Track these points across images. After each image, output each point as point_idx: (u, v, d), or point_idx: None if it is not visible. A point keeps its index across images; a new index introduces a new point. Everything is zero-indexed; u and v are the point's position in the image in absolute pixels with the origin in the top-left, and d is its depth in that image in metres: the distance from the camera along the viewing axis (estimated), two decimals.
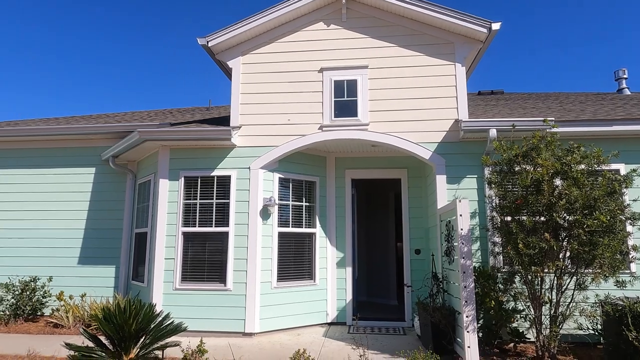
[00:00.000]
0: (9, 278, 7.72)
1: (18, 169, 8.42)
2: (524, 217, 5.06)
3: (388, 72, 6.93)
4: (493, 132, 6.11)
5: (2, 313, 7.31)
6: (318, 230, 7.44)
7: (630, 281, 4.99)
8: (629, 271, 5.59)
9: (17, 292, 7.38)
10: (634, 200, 5.23)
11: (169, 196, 6.91)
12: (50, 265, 7.93)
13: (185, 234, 6.81)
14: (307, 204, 7.42)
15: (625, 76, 10.82)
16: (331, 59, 7.06)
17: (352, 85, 6.93)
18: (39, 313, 7.60)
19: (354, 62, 7.00)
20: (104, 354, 4.52)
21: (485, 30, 6.49)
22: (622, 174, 5.24)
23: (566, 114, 7.20)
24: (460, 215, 5.17)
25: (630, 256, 5.08)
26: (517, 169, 5.30)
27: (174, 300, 6.63)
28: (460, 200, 5.22)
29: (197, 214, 6.85)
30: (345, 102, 6.90)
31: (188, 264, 6.76)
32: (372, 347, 5.75)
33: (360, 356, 4.68)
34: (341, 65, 7.02)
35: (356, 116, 6.83)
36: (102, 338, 4.75)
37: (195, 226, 6.82)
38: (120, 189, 8.17)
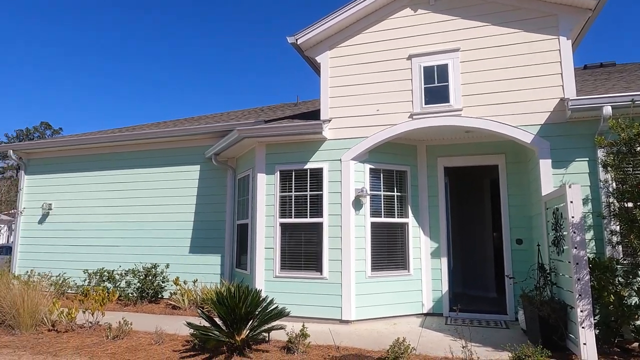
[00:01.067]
0: (134, 265, 8.82)
1: (136, 169, 9.54)
2: None
3: (481, 54, 6.58)
4: (607, 110, 5.51)
5: (131, 295, 8.39)
6: (410, 220, 7.36)
7: None
8: None
9: (141, 277, 8.41)
10: None
11: (266, 189, 7.33)
12: (167, 254, 8.90)
13: (282, 224, 7.19)
14: (399, 193, 7.37)
15: None
16: (419, 45, 6.89)
17: (442, 70, 6.70)
18: (159, 296, 8.58)
19: (443, 46, 6.76)
20: (219, 333, 4.98)
21: None
22: None
23: None
24: (571, 201, 4.78)
25: None
26: (639, 149, 4.74)
27: (274, 287, 7.04)
28: (570, 185, 4.82)
29: (293, 206, 7.18)
30: (435, 88, 6.70)
31: (286, 253, 7.13)
32: (472, 339, 5.57)
33: (463, 347, 4.58)
34: (430, 50, 6.82)
35: (448, 102, 6.61)
36: (216, 319, 5.24)
37: (291, 217, 7.15)
38: (222, 184, 8.85)
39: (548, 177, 5.99)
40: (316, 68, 7.65)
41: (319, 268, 6.89)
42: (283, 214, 7.22)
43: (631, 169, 4.90)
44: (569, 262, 4.79)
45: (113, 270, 8.83)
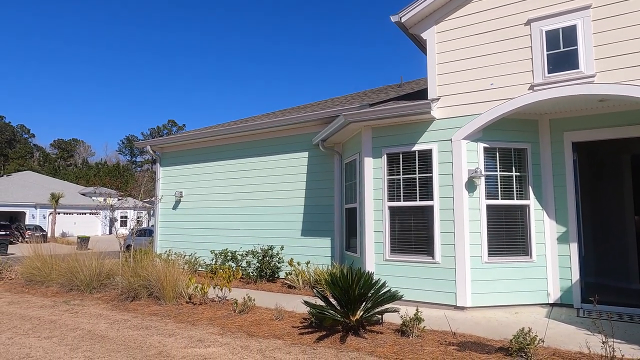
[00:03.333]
0: (253, 246, 9.56)
1: (250, 158, 10.27)
2: None
3: (618, 8, 5.66)
4: None
5: (251, 274, 9.12)
6: (532, 202, 6.74)
7: None
8: None
9: (259, 258, 9.08)
10: None
11: (374, 173, 7.31)
12: (281, 237, 9.46)
13: (390, 208, 7.13)
14: (518, 173, 6.79)
15: None
16: (540, 7, 6.18)
17: (569, 32, 5.93)
18: (275, 275, 9.19)
19: (570, 4, 5.97)
20: (334, 312, 5.16)
21: None
22: None
23: None
24: None
25: None
26: None
27: (385, 270, 7.04)
28: None
29: (401, 189, 7.06)
30: (561, 54, 5.97)
31: (395, 237, 7.07)
32: (614, 335, 4.93)
33: (603, 343, 4.10)
34: (553, 12, 6.07)
35: (577, 68, 5.84)
36: (331, 299, 5.43)
37: (400, 200, 7.05)
38: (329, 169, 9.08)
39: None
40: (422, 46, 7.35)
41: (430, 252, 6.71)
42: (391, 198, 7.15)
43: None
44: None
45: (235, 251, 9.67)
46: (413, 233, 6.96)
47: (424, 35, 7.05)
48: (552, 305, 6.60)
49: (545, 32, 6.10)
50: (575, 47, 5.87)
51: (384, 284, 5.57)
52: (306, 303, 5.46)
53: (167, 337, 5.42)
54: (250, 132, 10.18)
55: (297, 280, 8.32)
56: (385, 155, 7.23)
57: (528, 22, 6.24)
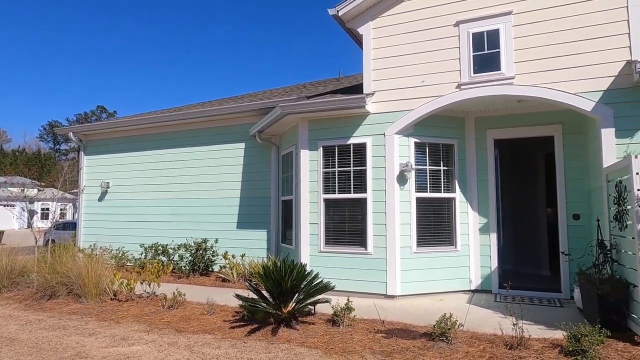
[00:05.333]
0: (185, 239, 9.23)
1: (185, 148, 9.87)
2: None
3: (536, 16, 6.11)
4: None
5: (184, 268, 8.81)
6: (458, 194, 7.14)
7: None
8: None
9: (192, 251, 8.80)
10: None
11: (310, 165, 7.34)
12: (216, 230, 9.22)
13: (326, 200, 7.20)
14: (445, 168, 7.14)
15: None
16: (468, 9, 6.50)
17: (493, 35, 6.30)
18: (209, 269, 8.96)
19: (494, 9, 6.34)
20: (266, 305, 5.13)
21: None
22: None
23: None
24: (637, 173, 4.41)
25: None
26: None
27: (319, 261, 7.11)
28: (636, 155, 4.44)
29: (336, 182, 7.15)
30: (485, 56, 6.33)
31: (330, 229, 7.17)
32: (524, 317, 5.31)
33: (513, 325, 4.44)
34: (479, 15, 6.42)
35: (499, 70, 6.23)
36: (263, 292, 5.39)
37: (335, 193, 7.15)
38: (266, 161, 8.98)
39: (611, 148, 5.55)
40: (358, 40, 7.45)
41: (363, 243, 6.88)
42: (327, 190, 7.22)
43: None
44: (633, 237, 4.46)
45: (167, 245, 9.29)
46: (347, 225, 7.09)
47: (360, 30, 7.15)
48: (474, 291, 7.05)
49: (472, 34, 6.43)
50: (498, 49, 6.26)
51: (316, 275, 5.63)
52: (238, 296, 5.37)
53: (87, 336, 5.09)
54: (185, 121, 9.77)
55: (232, 273, 8.17)
56: (321, 148, 7.28)
57: (457, 24, 6.55)
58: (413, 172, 6.82)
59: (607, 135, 5.57)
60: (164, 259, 9.18)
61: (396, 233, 6.67)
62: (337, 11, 6.98)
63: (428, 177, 7.02)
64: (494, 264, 7.02)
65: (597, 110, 5.66)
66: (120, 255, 9.79)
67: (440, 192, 7.07)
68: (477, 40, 6.40)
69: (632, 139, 5.50)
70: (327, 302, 5.35)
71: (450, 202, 7.13)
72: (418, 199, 6.88)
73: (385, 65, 6.96)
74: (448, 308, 6.02)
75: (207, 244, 8.95)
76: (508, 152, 8.73)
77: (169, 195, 9.95)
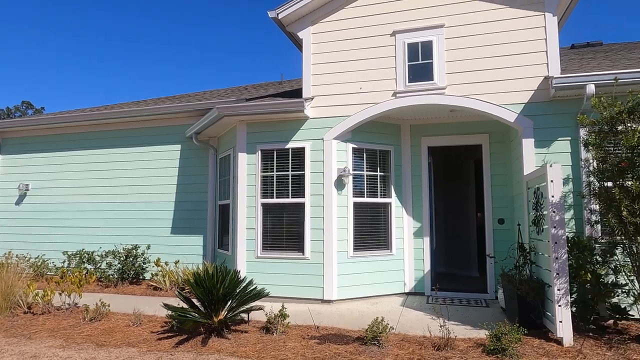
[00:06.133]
0: (114, 246, 8.68)
1: (116, 148, 9.29)
2: (629, 182, 4.49)
3: (466, 30, 6.43)
4: (591, 88, 5.45)
5: (111, 276, 8.27)
6: (393, 200, 7.31)
7: None
8: None
9: (122, 258, 8.28)
10: None
11: (248, 169, 7.19)
12: (148, 235, 8.76)
13: (264, 205, 7.08)
14: (382, 173, 7.29)
15: None
16: (403, 20, 6.70)
17: (427, 47, 6.55)
18: (140, 277, 8.48)
19: (428, 22, 6.59)
20: (196, 315, 4.91)
21: None
22: None
23: None
24: (552, 181, 4.74)
25: None
26: (620, 128, 4.70)
27: (256, 267, 6.98)
28: (551, 165, 4.77)
29: (275, 186, 7.06)
30: (419, 66, 6.56)
31: (268, 234, 7.05)
32: (452, 318, 5.61)
33: (441, 326, 4.59)
34: (414, 26, 6.65)
35: (432, 80, 6.48)
36: (194, 300, 5.17)
37: (273, 197, 7.05)
38: (203, 164, 8.68)
39: (530, 157, 5.95)
40: (299, 44, 7.43)
41: (300, 248, 6.84)
42: (265, 194, 7.10)
43: (612, 148, 4.86)
44: (548, 241, 4.78)
45: (93, 252, 8.68)
46: (285, 230, 7.02)
47: (300, 35, 7.14)
48: (408, 294, 7.24)
49: (408, 44, 6.64)
50: (431, 60, 6.50)
51: (251, 282, 5.49)
52: (166, 306, 5.10)
53: None
54: (116, 120, 9.21)
55: (164, 281, 7.79)
56: (259, 152, 7.16)
57: (393, 34, 6.73)
58: (351, 177, 6.89)
59: (527, 145, 5.97)
60: (90, 267, 8.57)
61: (333, 238, 6.69)
62: (277, 14, 6.92)
63: (365, 182, 7.13)
64: (427, 266, 7.27)
65: (519, 121, 6.05)
66: (40, 263, 9.01)
67: (377, 197, 7.21)
68: (412, 50, 6.61)
69: (549, 149, 5.93)
70: (261, 309, 5.23)
71: (386, 207, 7.29)
72: (355, 204, 6.96)
73: (324, 70, 7.00)
74: (382, 311, 6.13)
75: (138, 251, 8.47)
76: (442, 159, 9.11)
77: (97, 199, 9.31)
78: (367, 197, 7.11)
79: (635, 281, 4.76)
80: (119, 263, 8.32)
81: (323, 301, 6.63)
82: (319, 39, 7.09)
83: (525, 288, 5.08)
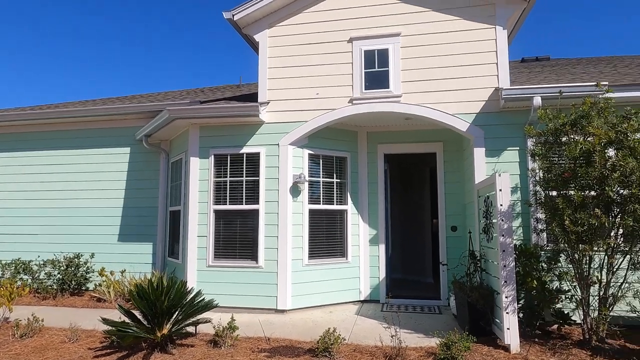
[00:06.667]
0: (54, 255, 8.10)
1: (59, 150, 8.71)
2: (572, 192, 4.65)
3: (421, 39, 6.51)
4: (537, 100, 5.64)
5: (50, 287, 7.69)
6: (350, 207, 7.27)
7: None
8: None
9: (62, 268, 7.74)
10: None
11: (200, 174, 6.92)
12: (92, 243, 8.24)
13: (216, 211, 6.83)
14: (338, 180, 7.23)
15: None
16: (361, 27, 6.70)
17: (383, 54, 6.57)
18: (83, 288, 7.95)
19: (385, 30, 6.62)
20: (137, 329, 4.61)
21: None
22: None
23: (622, 78, 6.55)
24: (500, 190, 4.83)
25: None
26: (564, 139, 4.87)
27: (208, 276, 6.71)
28: (500, 174, 4.87)
29: (228, 192, 6.83)
30: (376, 73, 6.57)
31: (220, 242, 6.80)
32: (405, 326, 5.60)
33: (392, 336, 4.54)
34: (371, 34, 6.66)
35: (388, 87, 6.50)
36: (137, 313, 4.86)
37: (226, 204, 6.81)
38: (154, 167, 8.29)
39: (481, 166, 6.07)
40: (255, 47, 7.27)
41: (254, 257, 6.63)
42: (218, 201, 6.86)
43: (556, 159, 5.03)
44: (497, 249, 4.86)
45: (30, 261, 8.07)
46: (238, 237, 6.80)
47: (256, 38, 6.98)
48: (363, 302, 7.20)
49: (365, 51, 6.64)
50: (387, 68, 6.53)
51: (199, 293, 5.24)
52: (105, 320, 4.75)
53: None
54: (60, 120, 8.65)
55: (108, 292, 7.33)
56: (213, 156, 6.91)
57: (350, 40, 6.71)
58: (306, 184, 6.78)
59: (479, 154, 6.09)
60: (26, 277, 7.95)
61: (288, 245, 6.54)
62: (233, 15, 6.73)
63: (321, 189, 7.04)
64: (382, 274, 7.25)
65: (471, 131, 6.17)
66: None
67: (333, 204, 7.14)
68: (369, 57, 6.61)
69: (498, 158, 6.08)
70: (208, 321, 4.99)
71: (342, 214, 7.22)
72: (311, 211, 6.85)
73: (281, 74, 6.87)
74: (336, 320, 6.04)
75: (81, 260, 7.94)
76: (398, 166, 9.20)
77: (35, 204, 8.67)
78: (323, 204, 7.02)
79: (577, 287, 4.93)
80: (58, 273, 7.76)
81: (277, 311, 6.45)
82: (276, 43, 6.96)
83: (475, 295, 5.14)
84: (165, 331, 4.74)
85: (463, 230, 6.97)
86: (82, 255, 8.00)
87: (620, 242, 4.67)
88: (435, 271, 8.50)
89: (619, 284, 4.74)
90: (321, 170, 7.06)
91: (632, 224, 4.40)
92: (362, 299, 7.22)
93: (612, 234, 4.62)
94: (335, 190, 7.17)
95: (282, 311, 6.44)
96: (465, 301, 5.26)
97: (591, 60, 9.59)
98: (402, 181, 9.37)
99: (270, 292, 6.51)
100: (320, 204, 6.98)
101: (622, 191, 4.50)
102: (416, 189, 9.30)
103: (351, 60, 6.68)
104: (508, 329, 4.64)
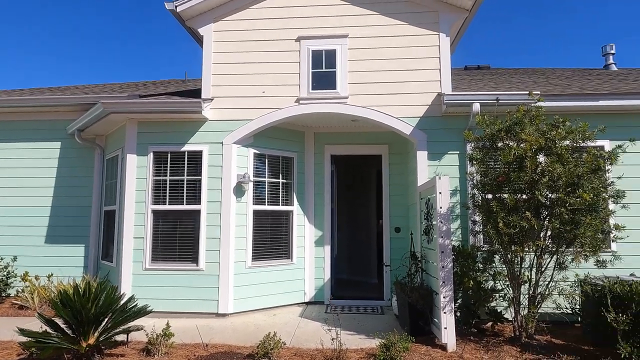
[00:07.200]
0: None
1: None
2: (506, 195, 4.86)
3: (369, 42, 6.56)
4: (476, 107, 5.85)
5: None
6: (296, 208, 7.18)
7: (611, 261, 4.86)
8: (610, 250, 5.48)
9: None
10: (617, 177, 5.04)
11: (138, 172, 6.54)
12: (15, 245, 7.55)
13: (155, 212, 6.49)
14: (284, 180, 7.13)
15: (612, 52, 10.59)
16: (309, 27, 6.65)
17: (331, 55, 6.55)
18: (4, 294, 7.27)
19: (333, 30, 6.61)
20: (60, 340, 4.25)
21: None
22: (606, 150, 5.02)
23: (552, 89, 6.97)
24: (440, 192, 4.95)
25: (612, 235, 4.94)
26: (500, 144, 5.07)
27: (145, 280, 6.36)
28: (440, 177, 4.99)
29: (167, 191, 6.52)
30: (323, 74, 6.53)
31: (158, 244, 6.47)
32: (348, 327, 5.60)
33: (333, 339, 4.50)
34: (320, 34, 6.62)
35: (335, 89, 6.49)
36: (61, 322, 4.48)
37: (165, 204, 6.49)
38: (88, 164, 7.75)
39: (424, 168, 6.21)
40: (200, 41, 6.99)
41: (195, 259, 6.37)
42: (157, 201, 6.52)
43: (492, 163, 5.24)
44: (437, 250, 4.97)
45: None
46: (178, 239, 6.50)
47: (201, 31, 6.72)
48: (308, 303, 7.14)
49: (312, 51, 6.58)
50: (335, 69, 6.52)
51: (132, 298, 4.93)
52: (21, 331, 4.33)
53: None
54: None
55: (32, 299, 6.74)
56: (152, 154, 6.56)
57: (298, 39, 6.63)
58: (251, 184, 6.61)
59: (421, 157, 6.23)
60: None
61: (231, 247, 6.34)
62: (175, 7, 6.43)
63: (267, 189, 6.90)
64: (327, 275, 7.24)
65: (414, 134, 6.30)
66: None
67: (279, 205, 7.02)
68: (317, 58, 6.57)
69: (440, 161, 6.25)
70: (140, 329, 4.70)
71: (288, 215, 7.12)
72: (255, 212, 6.69)
73: (226, 71, 6.65)
74: (279, 323, 5.94)
75: (2, 263, 7.26)
76: (346, 168, 9.23)
77: None
78: (268, 204, 6.88)
79: (510, 287, 5.15)
80: None
81: (218, 315, 6.23)
82: (222, 38, 6.73)
83: (415, 296, 5.23)
84: (91, 341, 4.40)
85: (406, 231, 7.10)
86: (2, 259, 7.32)
87: (548, 243, 4.94)
88: (379, 272, 8.60)
89: (547, 283, 5.01)
90: (267, 170, 6.92)
91: (559, 227, 4.66)
92: (307, 300, 7.16)
93: (541, 235, 4.87)
94: (281, 190, 7.06)
95: (224, 315, 6.23)
96: (406, 302, 5.34)
97: (527, 70, 10.17)
98: (349, 182, 9.42)
99: (211, 295, 6.28)
100: (265, 204, 6.84)
101: (550, 195, 4.75)
102: (363, 190, 9.39)
103: (299, 59, 6.60)
104: (445, 328, 4.76)
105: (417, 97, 6.38)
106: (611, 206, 5.18)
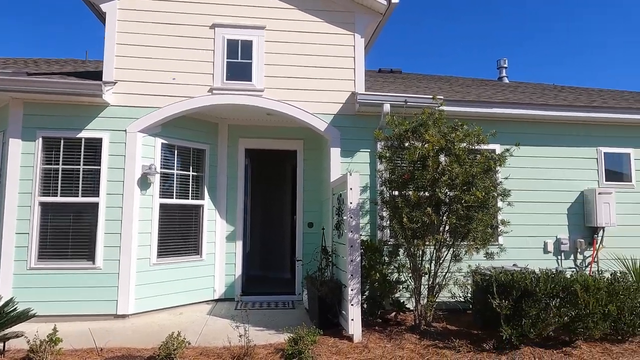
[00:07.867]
0: None
1: None
2: (410, 192, 5.13)
3: (286, 36, 6.52)
4: (387, 107, 6.11)
5: None
6: (207, 202, 6.91)
7: (497, 253, 5.39)
8: (497, 244, 6.07)
9: None
10: (505, 178, 5.61)
11: (23, 159, 5.80)
12: None
13: (43, 204, 5.81)
14: (195, 173, 6.82)
15: (505, 65, 11.78)
16: (225, 14, 6.41)
17: (247, 46, 6.39)
18: None
19: (250, 21, 6.45)
20: None
21: (385, 2, 6.39)
22: (497, 153, 5.56)
23: (454, 95, 7.54)
24: (351, 188, 5.08)
25: (499, 230, 5.48)
26: (406, 144, 5.35)
27: (30, 281, 5.67)
28: (351, 173, 5.13)
29: (60, 182, 5.86)
30: (239, 64, 6.35)
31: (47, 240, 5.80)
32: (258, 323, 5.54)
33: (240, 336, 4.41)
34: (236, 23, 6.42)
35: (250, 80, 6.35)
36: None
37: (56, 196, 5.84)
38: None
39: (337, 165, 6.34)
40: (103, 18, 6.39)
41: (91, 257, 5.83)
42: (46, 192, 5.84)
43: (400, 162, 5.51)
44: (346, 244, 5.11)
45: None
46: (71, 235, 5.89)
47: (103, 7, 6.14)
48: (217, 300, 6.93)
49: (227, 40, 6.37)
50: (250, 61, 6.37)
51: (10, 301, 4.37)
52: None
53: None
54: None
55: None
56: (41, 139, 5.86)
57: (213, 26, 6.37)
58: (158, 176, 6.22)
59: (335, 153, 6.36)
60: None
61: (133, 243, 5.91)
62: None
63: (175, 182, 6.54)
64: (239, 271, 7.09)
65: (328, 131, 6.40)
66: None
67: (188, 198, 6.70)
68: (232, 47, 6.37)
69: (352, 159, 6.43)
70: (20, 335, 4.18)
71: (198, 209, 6.83)
72: (162, 206, 6.31)
73: (132, 53, 6.16)
74: (186, 322, 5.68)
75: None
76: (261, 162, 9.11)
77: None
78: (177, 198, 6.54)
79: (412, 278, 5.48)
80: None
81: (117, 316, 5.78)
82: (128, 17, 6.21)
83: (325, 289, 5.33)
84: None
85: (319, 226, 7.20)
86: None
87: (446, 237, 5.33)
88: (292, 267, 8.64)
89: (444, 274, 5.41)
90: (176, 162, 6.56)
91: (455, 222, 5.05)
92: (216, 298, 6.94)
93: (440, 230, 5.24)
94: (191, 184, 6.75)
95: (124, 316, 5.80)
96: (316, 295, 5.42)
97: (433, 77, 10.90)
98: (264, 177, 9.31)
99: (110, 295, 5.80)
100: (173, 198, 6.48)
101: (449, 193, 5.13)
102: (278, 185, 9.35)
103: (213, 47, 6.34)
104: (352, 320, 4.91)
105: (332, 94, 6.49)
106: (499, 204, 5.75)
